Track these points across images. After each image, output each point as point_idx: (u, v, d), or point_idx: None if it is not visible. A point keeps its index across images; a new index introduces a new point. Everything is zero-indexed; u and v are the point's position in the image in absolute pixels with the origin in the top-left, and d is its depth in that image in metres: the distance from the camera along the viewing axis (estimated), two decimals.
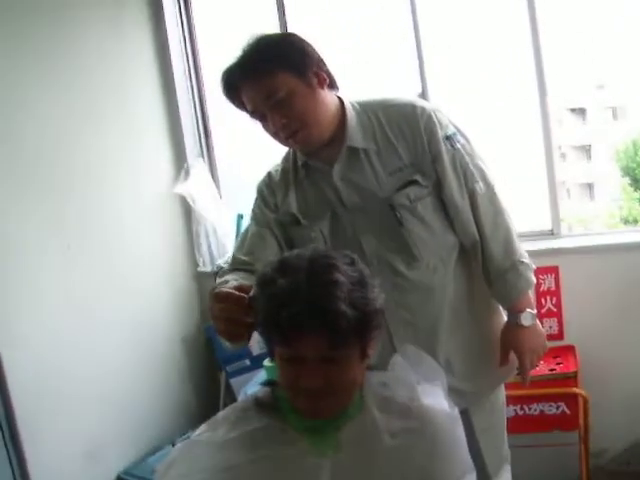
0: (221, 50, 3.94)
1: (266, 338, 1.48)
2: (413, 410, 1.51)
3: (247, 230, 2.19)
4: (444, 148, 1.99)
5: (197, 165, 3.84)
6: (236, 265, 2.05)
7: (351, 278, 1.41)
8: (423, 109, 2.00)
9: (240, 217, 3.74)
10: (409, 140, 1.98)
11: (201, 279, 3.90)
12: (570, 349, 3.14)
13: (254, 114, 1.97)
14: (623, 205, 18.05)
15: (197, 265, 3.86)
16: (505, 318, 2.12)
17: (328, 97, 1.99)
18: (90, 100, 3.30)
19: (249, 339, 1.60)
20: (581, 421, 2.94)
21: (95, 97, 3.33)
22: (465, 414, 1.98)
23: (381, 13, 3.56)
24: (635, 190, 16.35)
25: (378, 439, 1.45)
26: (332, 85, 2.00)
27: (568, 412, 2.94)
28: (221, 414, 1.56)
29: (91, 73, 3.32)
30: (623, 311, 3.13)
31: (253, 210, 2.19)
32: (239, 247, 2.16)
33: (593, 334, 3.16)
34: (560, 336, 3.24)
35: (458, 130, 2.05)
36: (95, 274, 3.25)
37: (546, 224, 3.43)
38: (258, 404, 1.53)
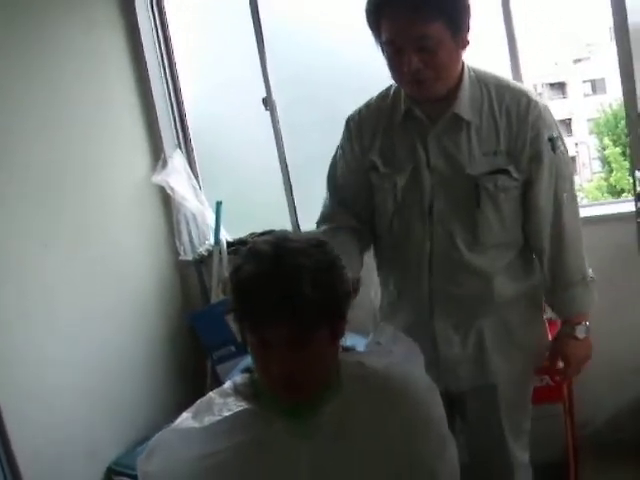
0: (194, 40, 3.93)
1: (238, 325, 1.47)
2: (390, 385, 1.51)
3: (333, 167, 2.15)
4: (545, 149, 1.96)
5: (175, 155, 3.83)
6: (327, 220, 2.09)
7: (317, 262, 1.40)
8: (537, 104, 1.97)
9: (219, 204, 3.73)
10: (513, 129, 1.95)
11: (182, 267, 3.90)
12: (552, 321, 3.15)
13: (388, 44, 1.89)
14: (613, 176, 18.22)
15: (178, 254, 3.85)
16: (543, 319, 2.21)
17: (461, 58, 1.96)
18: (64, 94, 3.27)
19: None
20: (565, 393, 2.97)
21: (69, 91, 3.31)
22: (492, 389, 2.08)
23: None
24: (624, 160, 16.35)
25: (356, 418, 1.46)
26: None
27: (552, 384, 2.97)
28: (201, 401, 1.56)
29: (64, 68, 3.30)
30: (608, 282, 3.14)
31: (341, 147, 2.14)
32: (332, 193, 2.14)
33: None
34: None
35: (560, 135, 2.02)
36: (75, 268, 3.23)
37: None
38: (237, 390, 1.53)
